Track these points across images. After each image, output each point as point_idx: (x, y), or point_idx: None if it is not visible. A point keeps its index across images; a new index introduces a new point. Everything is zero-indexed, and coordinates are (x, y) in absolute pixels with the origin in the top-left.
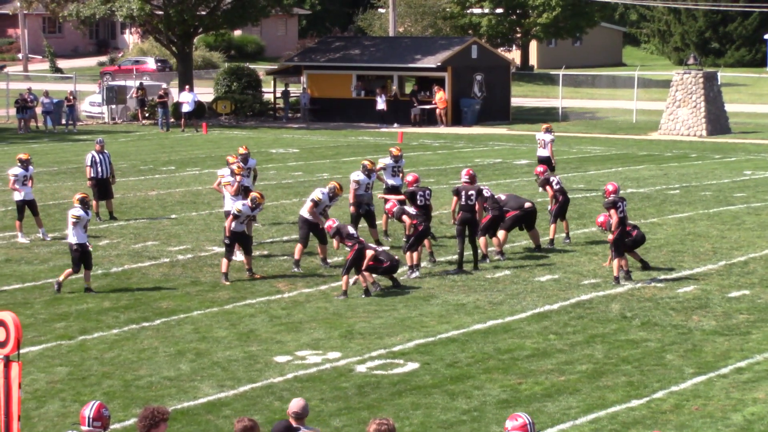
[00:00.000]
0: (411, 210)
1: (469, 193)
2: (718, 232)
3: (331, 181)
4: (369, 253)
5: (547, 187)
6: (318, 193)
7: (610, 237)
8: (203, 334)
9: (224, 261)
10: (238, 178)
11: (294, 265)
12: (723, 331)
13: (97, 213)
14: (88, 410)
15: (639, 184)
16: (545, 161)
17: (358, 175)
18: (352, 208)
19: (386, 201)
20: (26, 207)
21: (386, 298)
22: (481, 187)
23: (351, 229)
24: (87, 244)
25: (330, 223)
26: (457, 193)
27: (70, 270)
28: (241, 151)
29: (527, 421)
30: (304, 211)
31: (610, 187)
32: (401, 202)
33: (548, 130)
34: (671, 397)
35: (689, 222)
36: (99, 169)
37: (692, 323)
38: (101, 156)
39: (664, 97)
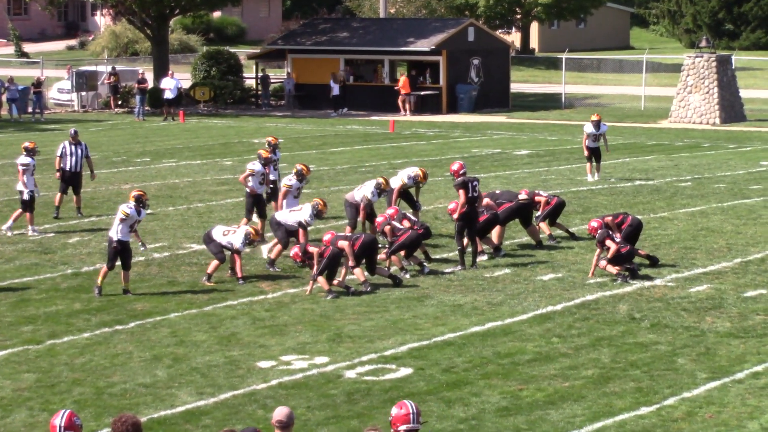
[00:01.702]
0: (398, 224)
1: (474, 183)
2: (732, 227)
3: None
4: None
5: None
6: (286, 181)
7: (603, 263)
8: (181, 338)
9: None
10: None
11: (269, 265)
12: (738, 333)
13: (57, 207)
14: (59, 419)
15: (648, 176)
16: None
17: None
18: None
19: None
20: (25, 197)
21: (377, 299)
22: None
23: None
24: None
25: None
26: (464, 185)
27: (105, 268)
28: (272, 141)
29: (411, 411)
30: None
31: (594, 224)
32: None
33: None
34: (683, 404)
35: (702, 216)
36: (70, 161)
37: (705, 325)
38: (74, 147)
39: (675, 83)
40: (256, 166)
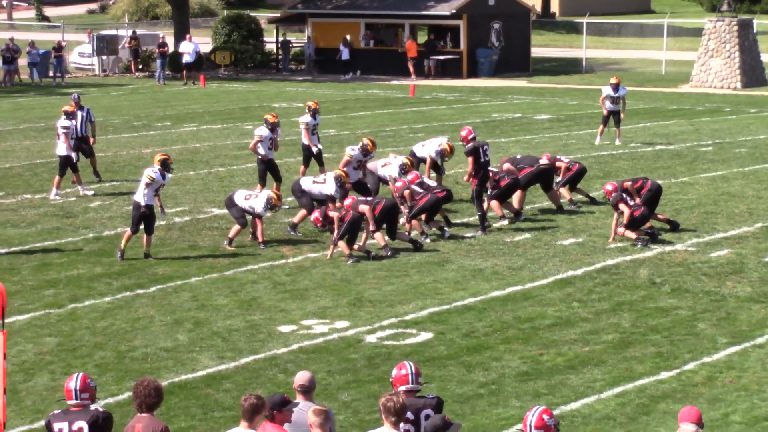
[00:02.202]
0: (417, 188)
1: (485, 148)
2: (754, 192)
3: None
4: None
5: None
6: (349, 150)
7: (621, 230)
8: (202, 302)
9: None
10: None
11: (291, 229)
12: (759, 297)
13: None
14: (74, 382)
15: (669, 141)
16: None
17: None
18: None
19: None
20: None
21: (398, 264)
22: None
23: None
24: (154, 206)
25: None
26: (474, 151)
27: (129, 232)
28: (312, 105)
29: (410, 371)
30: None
31: (609, 187)
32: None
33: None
34: (703, 369)
35: (723, 181)
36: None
37: (726, 289)
38: (77, 113)
39: (696, 47)
40: (263, 131)
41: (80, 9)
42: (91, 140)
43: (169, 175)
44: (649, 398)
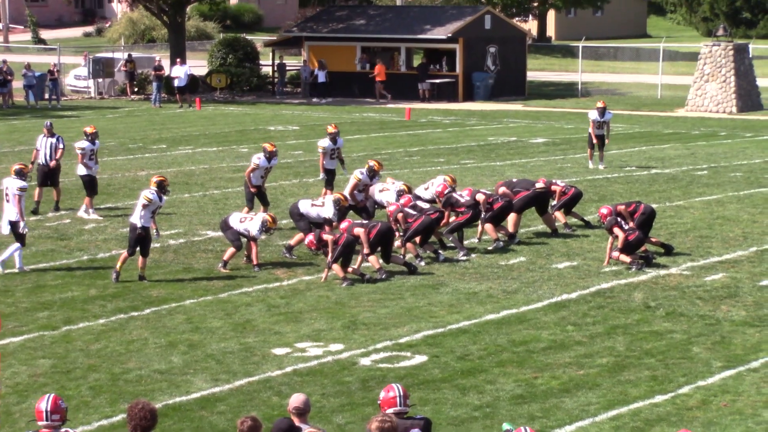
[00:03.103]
0: (410, 211)
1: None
2: (749, 216)
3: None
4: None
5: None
6: (357, 174)
7: (616, 254)
8: (196, 325)
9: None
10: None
11: (286, 251)
12: (754, 321)
13: (37, 202)
14: (45, 403)
15: (664, 164)
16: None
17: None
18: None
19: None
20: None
21: (392, 287)
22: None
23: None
24: (150, 228)
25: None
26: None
27: (125, 253)
28: (331, 129)
29: (398, 394)
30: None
31: (604, 211)
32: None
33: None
34: (698, 393)
35: (718, 205)
36: (43, 154)
37: (721, 313)
38: (49, 140)
39: (692, 71)
40: (261, 160)
41: (77, 32)
42: (52, 162)
43: (165, 197)
44: (643, 422)
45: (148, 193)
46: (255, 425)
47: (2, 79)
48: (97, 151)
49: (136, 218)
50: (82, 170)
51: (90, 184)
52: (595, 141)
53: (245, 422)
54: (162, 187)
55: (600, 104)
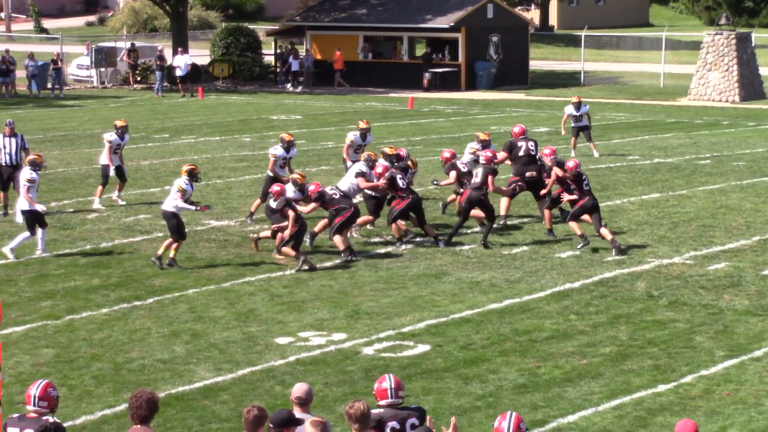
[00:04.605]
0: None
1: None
2: (751, 205)
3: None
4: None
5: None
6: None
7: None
8: (199, 314)
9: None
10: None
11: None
12: (756, 311)
13: (5, 206)
14: (35, 389)
15: (667, 154)
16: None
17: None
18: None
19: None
20: (111, 173)
21: (395, 276)
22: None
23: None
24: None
25: (312, 188)
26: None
27: (170, 240)
28: (362, 125)
29: (389, 386)
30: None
31: (547, 151)
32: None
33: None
34: (701, 382)
35: (721, 194)
36: (4, 154)
37: (723, 303)
38: (9, 140)
39: (694, 60)
40: (278, 150)
41: (79, 21)
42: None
43: (194, 187)
44: (646, 411)
45: (182, 183)
46: (261, 414)
47: (5, 69)
48: (124, 146)
49: (169, 206)
50: (104, 160)
51: (107, 176)
52: (563, 132)
53: (251, 411)
54: (193, 176)
55: (575, 99)
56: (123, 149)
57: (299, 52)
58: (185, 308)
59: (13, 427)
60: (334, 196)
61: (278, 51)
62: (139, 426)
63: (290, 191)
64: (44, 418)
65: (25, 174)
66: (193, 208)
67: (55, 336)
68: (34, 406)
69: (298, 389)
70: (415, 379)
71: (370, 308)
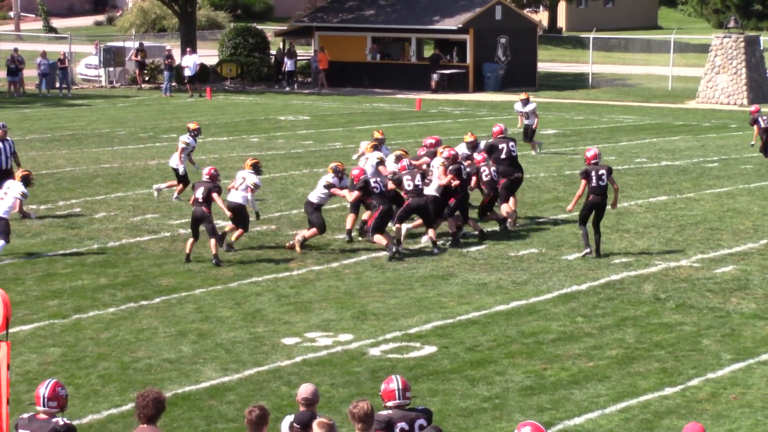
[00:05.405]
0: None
1: (600, 172)
2: (759, 209)
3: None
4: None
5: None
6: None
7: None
8: (206, 314)
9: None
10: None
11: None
12: (764, 314)
13: None
14: (44, 389)
15: (674, 156)
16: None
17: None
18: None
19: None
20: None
21: (402, 277)
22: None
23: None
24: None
25: (356, 172)
26: (586, 175)
27: (240, 231)
28: (377, 135)
29: (396, 387)
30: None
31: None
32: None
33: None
34: (707, 385)
35: (728, 197)
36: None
37: (731, 306)
38: (3, 144)
39: (702, 63)
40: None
41: (88, 21)
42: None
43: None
44: (653, 414)
45: (255, 179)
46: (262, 414)
47: (14, 68)
48: (195, 148)
49: (238, 197)
50: (175, 163)
51: (182, 177)
52: (521, 129)
53: (253, 411)
54: (257, 169)
55: (523, 95)
56: (194, 151)
57: (294, 52)
58: (192, 308)
59: (24, 430)
60: (374, 189)
61: (277, 51)
62: (145, 425)
63: (330, 178)
64: (54, 419)
65: (19, 187)
66: (256, 209)
67: (62, 335)
68: (43, 406)
69: (305, 390)
70: (421, 381)
71: (377, 309)
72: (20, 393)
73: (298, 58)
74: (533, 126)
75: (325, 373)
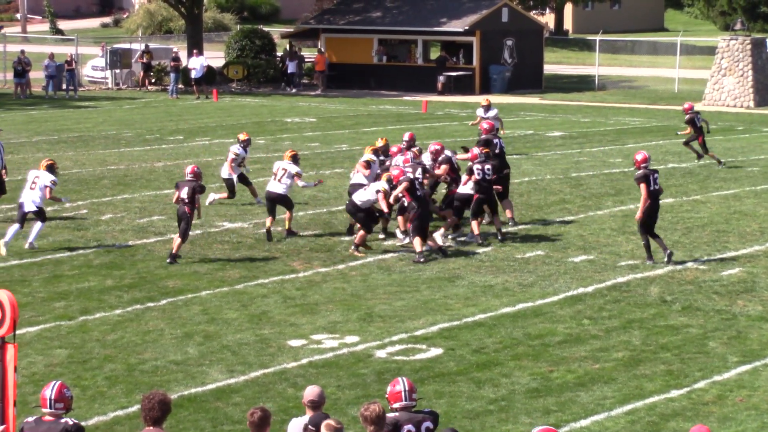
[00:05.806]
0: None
1: (655, 176)
2: (765, 211)
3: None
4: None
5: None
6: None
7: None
8: (212, 316)
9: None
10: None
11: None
12: None
13: None
14: (49, 391)
15: (681, 159)
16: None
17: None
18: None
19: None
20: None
21: (408, 279)
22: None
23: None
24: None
25: (396, 173)
26: (645, 179)
27: (270, 219)
28: (379, 143)
29: (403, 388)
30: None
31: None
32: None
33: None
34: (714, 388)
35: (735, 200)
36: None
37: (737, 308)
38: None
39: (709, 65)
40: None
41: (94, 22)
42: (3, 172)
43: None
44: (659, 416)
45: (293, 167)
46: (264, 416)
47: (20, 70)
48: (246, 158)
49: (279, 188)
50: (225, 173)
51: (232, 187)
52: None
53: (255, 413)
54: (296, 159)
55: (485, 102)
56: (246, 161)
57: (297, 54)
58: (198, 310)
59: None
60: (417, 191)
61: (284, 53)
62: (151, 427)
63: (384, 184)
64: (63, 420)
65: (48, 176)
66: (312, 184)
67: (68, 336)
68: (50, 408)
69: (311, 392)
70: (427, 383)
71: (383, 311)
72: (27, 395)
73: (306, 60)
74: (502, 132)
75: (332, 375)
